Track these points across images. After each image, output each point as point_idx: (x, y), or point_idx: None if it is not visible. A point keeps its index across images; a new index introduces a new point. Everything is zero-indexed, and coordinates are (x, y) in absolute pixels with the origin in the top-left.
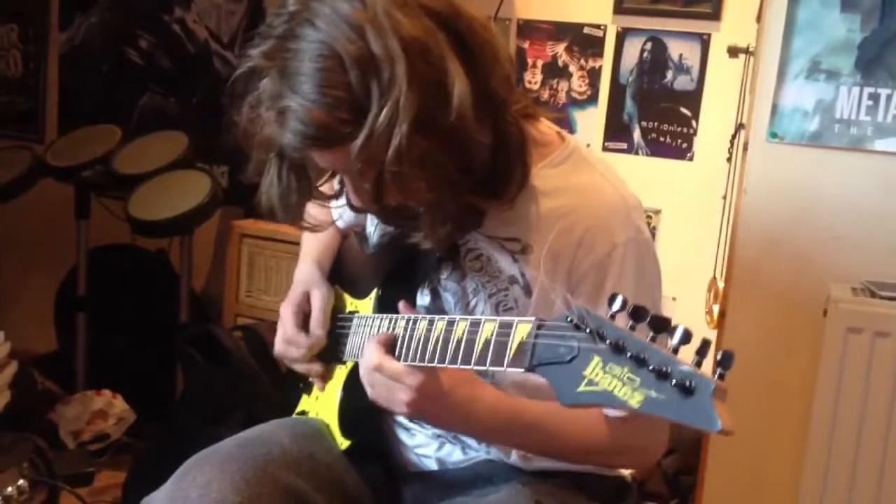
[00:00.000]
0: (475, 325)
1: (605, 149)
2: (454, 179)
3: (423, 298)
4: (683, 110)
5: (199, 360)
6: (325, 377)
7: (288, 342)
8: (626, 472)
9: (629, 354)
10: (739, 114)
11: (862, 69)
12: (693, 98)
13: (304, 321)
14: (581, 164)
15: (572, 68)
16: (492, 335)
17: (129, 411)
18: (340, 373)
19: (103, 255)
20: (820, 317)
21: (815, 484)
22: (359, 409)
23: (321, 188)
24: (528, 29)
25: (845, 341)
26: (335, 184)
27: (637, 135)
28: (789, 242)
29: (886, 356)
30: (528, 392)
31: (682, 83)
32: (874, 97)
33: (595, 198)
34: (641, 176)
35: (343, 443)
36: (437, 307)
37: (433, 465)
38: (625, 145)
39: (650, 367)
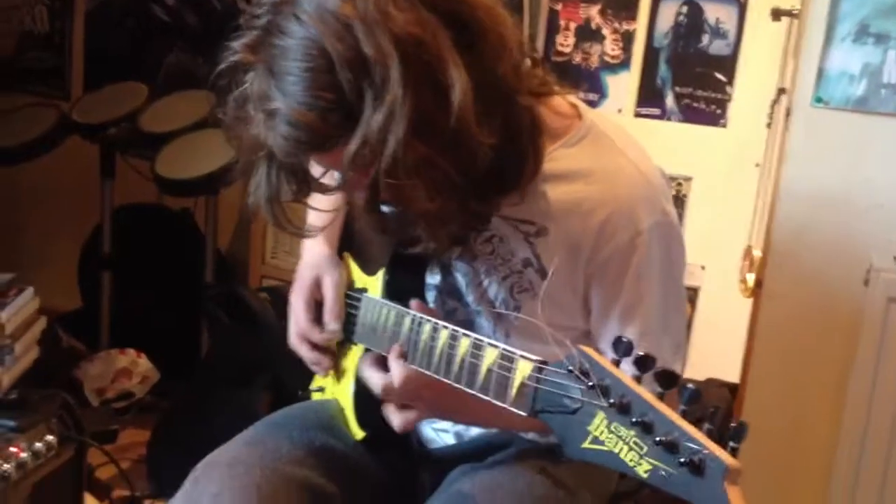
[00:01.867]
0: (478, 347)
1: (637, 114)
2: (456, 184)
3: (434, 277)
4: (718, 75)
5: (226, 320)
6: (339, 361)
7: (303, 337)
8: None
9: (634, 418)
10: (781, 78)
11: None
12: (728, 63)
13: (317, 310)
14: (599, 141)
15: (605, 31)
16: (493, 365)
17: (154, 370)
18: (353, 355)
19: (128, 213)
20: (861, 286)
21: (851, 453)
22: (373, 399)
23: (323, 180)
24: None
25: (886, 311)
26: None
27: (670, 100)
28: (831, 210)
29: None
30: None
31: (718, 48)
32: None
33: (616, 180)
34: (673, 142)
35: (358, 433)
36: (448, 285)
37: (451, 440)
38: (658, 111)
39: (657, 437)
